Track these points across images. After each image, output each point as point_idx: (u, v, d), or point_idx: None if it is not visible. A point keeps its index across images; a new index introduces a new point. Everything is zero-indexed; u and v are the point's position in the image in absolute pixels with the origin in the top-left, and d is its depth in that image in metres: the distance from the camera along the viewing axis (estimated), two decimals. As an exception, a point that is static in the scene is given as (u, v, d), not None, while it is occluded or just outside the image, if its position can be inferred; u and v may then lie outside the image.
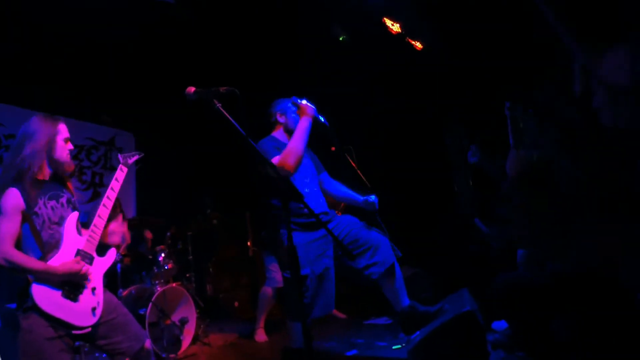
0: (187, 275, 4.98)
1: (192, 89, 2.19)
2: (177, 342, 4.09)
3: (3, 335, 4.05)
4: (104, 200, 2.53)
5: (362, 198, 3.23)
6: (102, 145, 5.89)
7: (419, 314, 2.97)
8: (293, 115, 3.10)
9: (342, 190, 3.36)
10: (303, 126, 2.91)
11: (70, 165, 2.52)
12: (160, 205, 5.90)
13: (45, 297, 2.23)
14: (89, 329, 2.33)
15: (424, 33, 4.42)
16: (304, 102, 3.00)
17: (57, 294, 2.26)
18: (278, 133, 3.16)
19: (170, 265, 4.45)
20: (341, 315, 5.06)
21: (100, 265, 2.50)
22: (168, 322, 4.09)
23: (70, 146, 2.52)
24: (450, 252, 4.90)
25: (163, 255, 4.44)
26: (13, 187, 2.29)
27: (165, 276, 4.39)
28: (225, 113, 2.04)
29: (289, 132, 3.08)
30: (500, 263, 4.01)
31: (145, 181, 5.96)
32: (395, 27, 4.38)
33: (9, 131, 4.79)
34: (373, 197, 3.22)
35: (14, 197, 2.27)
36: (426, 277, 5.05)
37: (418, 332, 3.24)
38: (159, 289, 4.00)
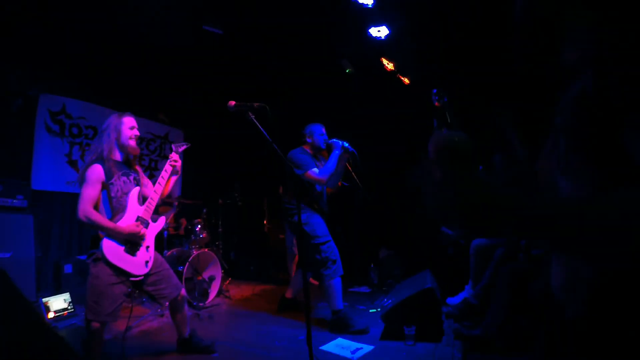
0: (217, 243, 5.00)
1: (232, 103, 2.20)
2: (205, 294, 4.13)
3: (73, 279, 4.11)
4: (159, 179, 2.56)
5: None
6: (158, 139, 5.90)
7: None
8: (317, 137, 3.38)
9: None
10: (334, 156, 3.22)
11: (134, 149, 2.50)
12: (199, 188, 5.93)
13: (112, 251, 2.28)
14: (142, 277, 2.38)
15: (413, 71, 4.41)
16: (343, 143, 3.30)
17: (120, 249, 2.31)
18: (307, 147, 3.44)
19: (204, 235, 4.48)
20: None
21: (153, 229, 2.54)
22: (199, 278, 4.13)
23: (136, 132, 2.50)
24: (418, 240, 4.90)
25: (199, 226, 4.46)
26: (97, 163, 2.35)
27: (199, 243, 4.42)
28: (257, 123, 2.05)
29: (315, 148, 3.40)
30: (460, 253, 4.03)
31: (188, 169, 5.99)
32: (390, 66, 4.38)
33: (89, 123, 4.82)
34: None
35: (98, 171, 2.33)
36: (398, 258, 5.08)
37: (390, 301, 3.27)
38: (194, 252, 4.02)
